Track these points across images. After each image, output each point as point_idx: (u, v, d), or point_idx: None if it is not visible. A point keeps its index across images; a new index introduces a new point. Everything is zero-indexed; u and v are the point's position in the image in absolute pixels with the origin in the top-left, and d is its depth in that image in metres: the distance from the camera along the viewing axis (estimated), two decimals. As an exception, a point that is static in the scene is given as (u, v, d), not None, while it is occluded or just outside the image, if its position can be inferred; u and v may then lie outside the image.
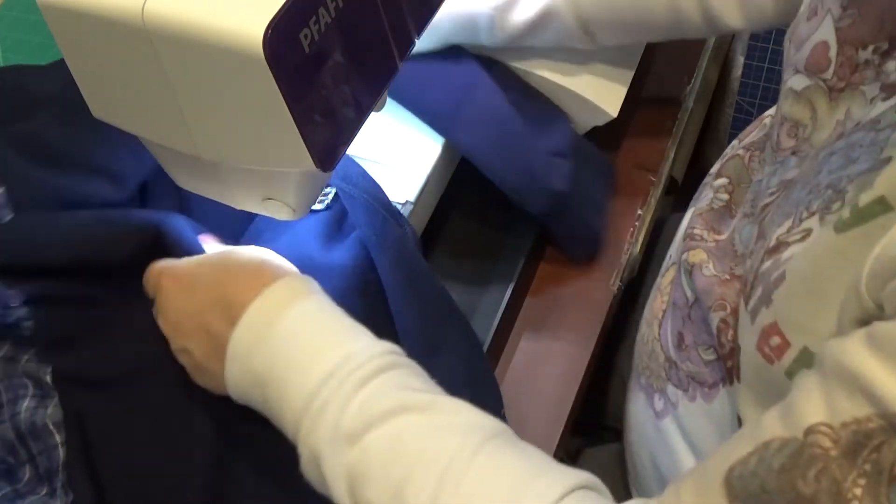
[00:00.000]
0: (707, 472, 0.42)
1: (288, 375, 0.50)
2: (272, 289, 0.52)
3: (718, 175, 0.68)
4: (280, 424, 0.51)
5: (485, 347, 0.69)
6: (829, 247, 0.44)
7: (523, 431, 0.69)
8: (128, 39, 0.47)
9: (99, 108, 0.55)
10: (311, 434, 0.48)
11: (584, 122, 0.80)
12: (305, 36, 0.46)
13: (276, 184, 0.57)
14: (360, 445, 0.46)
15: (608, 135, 0.82)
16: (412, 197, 0.70)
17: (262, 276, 0.53)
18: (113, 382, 0.58)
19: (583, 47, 0.76)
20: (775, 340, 0.47)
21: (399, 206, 0.70)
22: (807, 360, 0.45)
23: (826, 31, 0.54)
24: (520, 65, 0.79)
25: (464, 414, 0.48)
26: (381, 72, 0.54)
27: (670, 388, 0.62)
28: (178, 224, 0.60)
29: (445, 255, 0.76)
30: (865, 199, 0.43)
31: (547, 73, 0.79)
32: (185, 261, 0.57)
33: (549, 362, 0.72)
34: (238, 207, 0.61)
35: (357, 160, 0.72)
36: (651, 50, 0.89)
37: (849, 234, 0.43)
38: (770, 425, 0.40)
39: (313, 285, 0.54)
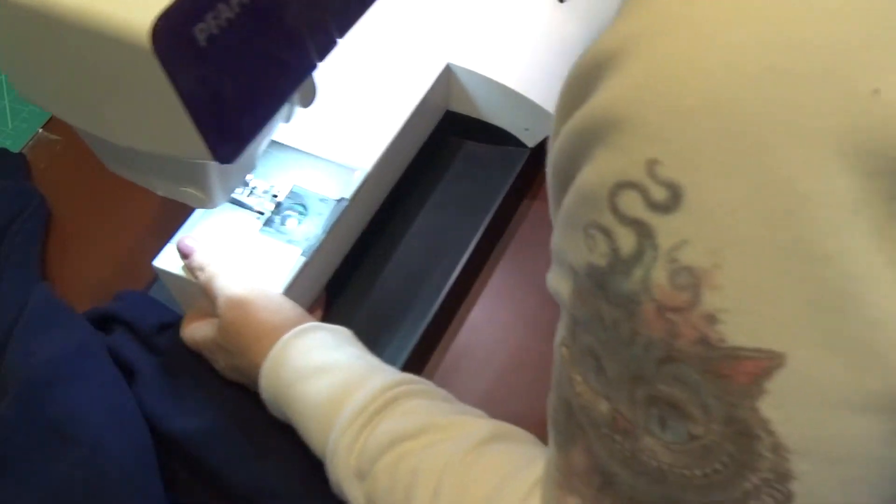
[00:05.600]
0: None
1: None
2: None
3: None
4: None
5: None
6: None
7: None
8: (32, 24, 0.48)
9: (24, 89, 0.56)
10: (332, 472, 0.57)
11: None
12: (202, 30, 0.46)
13: (190, 173, 0.57)
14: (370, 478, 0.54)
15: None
16: (348, 194, 0.70)
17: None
18: None
19: None
20: None
21: (334, 203, 0.70)
22: None
23: None
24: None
25: (455, 428, 0.54)
26: (292, 70, 0.54)
27: None
28: None
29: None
30: None
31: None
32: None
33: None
34: (159, 194, 0.62)
35: (295, 153, 0.73)
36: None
37: None
38: None
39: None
